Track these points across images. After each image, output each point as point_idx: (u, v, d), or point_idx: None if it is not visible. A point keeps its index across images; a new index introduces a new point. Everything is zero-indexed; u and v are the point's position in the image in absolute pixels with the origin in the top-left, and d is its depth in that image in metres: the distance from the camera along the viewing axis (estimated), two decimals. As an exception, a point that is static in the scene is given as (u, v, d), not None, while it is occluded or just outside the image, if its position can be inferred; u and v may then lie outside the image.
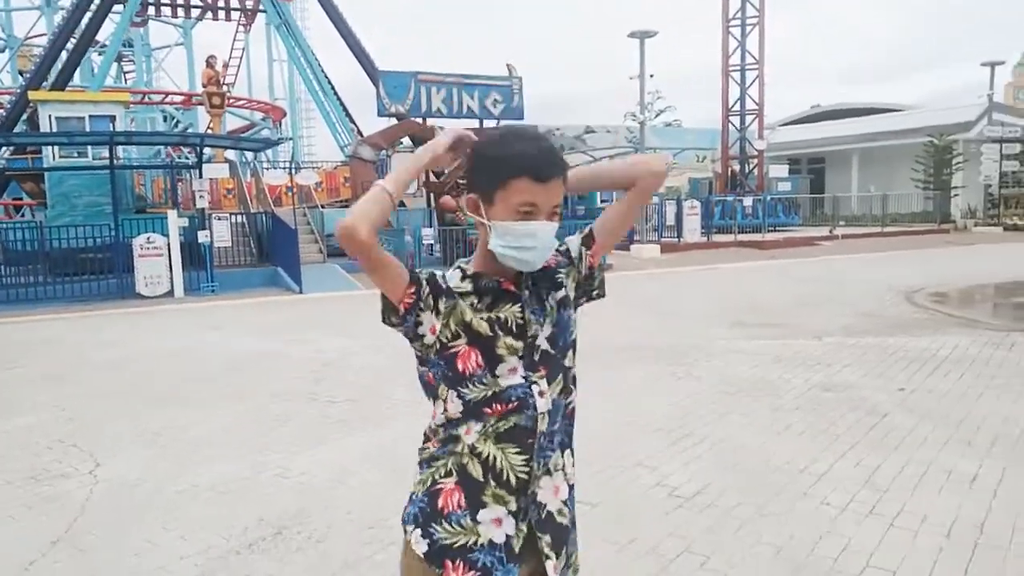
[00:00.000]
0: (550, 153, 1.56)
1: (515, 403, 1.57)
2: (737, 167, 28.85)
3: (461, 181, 12.98)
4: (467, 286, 1.60)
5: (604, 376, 7.14)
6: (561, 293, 1.69)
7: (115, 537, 3.91)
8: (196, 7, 23.96)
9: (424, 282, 1.57)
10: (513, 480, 1.58)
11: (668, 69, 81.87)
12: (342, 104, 24.57)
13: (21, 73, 31.85)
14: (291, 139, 36.68)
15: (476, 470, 1.58)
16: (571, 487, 1.72)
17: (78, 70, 23.24)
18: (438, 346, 1.58)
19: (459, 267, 1.65)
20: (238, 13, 25.04)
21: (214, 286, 15.15)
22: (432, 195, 19.04)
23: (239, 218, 18.22)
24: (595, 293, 1.82)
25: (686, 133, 34.34)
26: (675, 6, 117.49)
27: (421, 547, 1.58)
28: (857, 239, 24.27)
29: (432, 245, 18.03)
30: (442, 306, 1.57)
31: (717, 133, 30.12)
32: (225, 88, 26.64)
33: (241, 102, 32.43)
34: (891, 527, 3.73)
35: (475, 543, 1.56)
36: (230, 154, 23.04)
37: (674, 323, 10.17)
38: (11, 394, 7.23)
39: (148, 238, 14.80)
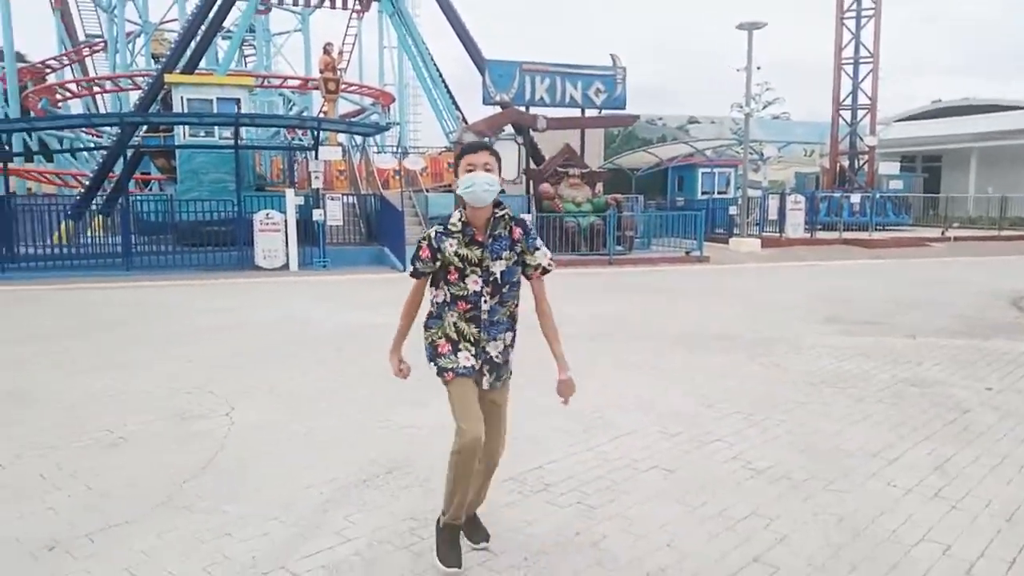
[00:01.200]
0: (480, 143, 3.21)
1: (472, 303, 3.17)
2: (846, 163, 28.05)
3: (560, 169, 13.34)
4: (459, 227, 3.13)
5: (689, 360, 7.44)
6: (513, 255, 3.19)
7: (251, 466, 4.54)
8: (316, -5, 25.12)
9: (424, 262, 3.16)
10: (472, 339, 3.21)
11: (778, 60, 79.36)
12: (449, 91, 25.31)
13: (154, 57, 34.17)
14: (398, 124, 37.87)
15: (454, 335, 3.21)
16: (507, 347, 3.30)
17: (205, 57, 24.82)
18: (439, 267, 3.17)
19: (459, 214, 3.14)
20: (354, 1, 26.07)
21: (326, 262, 16.12)
22: (531, 182, 19.50)
23: (350, 199, 19.22)
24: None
25: (794, 126, 33.55)
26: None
27: (434, 369, 3.24)
28: (971, 242, 23.30)
29: (530, 231, 18.47)
30: (439, 256, 3.15)
31: (826, 127, 29.35)
32: (340, 74, 27.86)
33: (352, 87, 33.70)
34: (953, 509, 3.94)
35: (457, 366, 3.18)
36: (342, 137, 24.17)
37: (766, 316, 10.28)
38: (148, 348, 8.14)
39: (267, 214, 15.88)
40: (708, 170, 28.08)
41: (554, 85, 20.10)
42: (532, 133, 20.55)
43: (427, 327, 3.26)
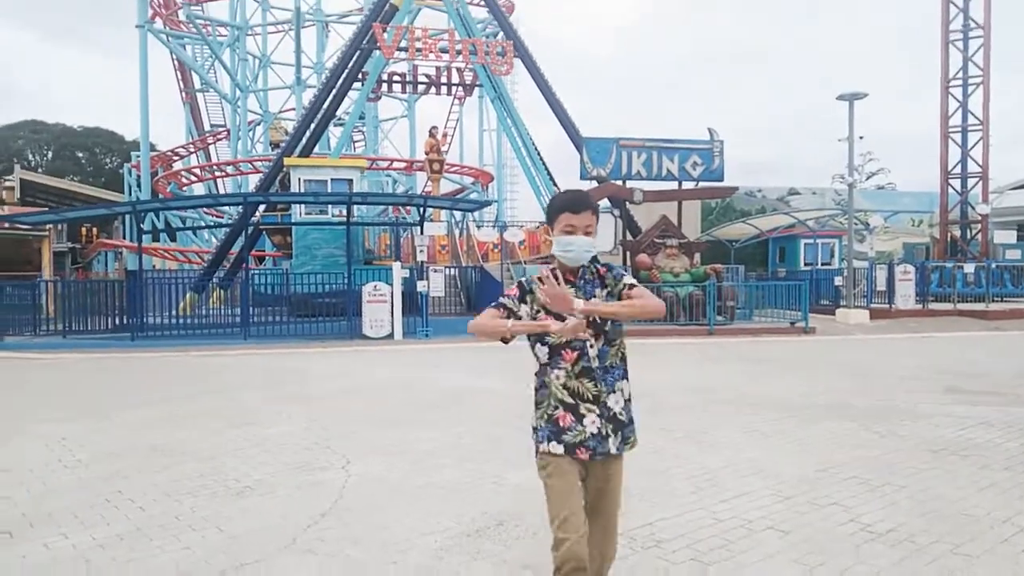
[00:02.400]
0: (580, 197, 2.89)
1: (577, 352, 2.82)
2: (957, 232, 26.95)
3: (657, 240, 13.46)
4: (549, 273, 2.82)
5: (800, 427, 7.27)
6: (604, 291, 2.87)
7: (369, 515, 4.73)
8: (422, 84, 26.54)
9: (510, 299, 2.88)
10: (591, 396, 2.83)
11: (882, 130, 77.69)
12: (546, 168, 26.01)
13: (272, 144, 36.67)
14: (497, 201, 38.99)
15: (569, 399, 2.83)
16: (627, 401, 2.93)
17: (318, 142, 26.51)
18: (530, 318, 2.83)
19: (550, 266, 2.90)
20: (458, 87, 27.38)
21: (428, 331, 16.60)
22: (628, 252, 19.63)
23: (452, 271, 19.82)
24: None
25: (900, 196, 32.62)
26: (890, 66, 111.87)
27: (559, 448, 2.81)
28: (1103, 313, 21.74)
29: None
30: (528, 299, 2.87)
31: (934, 196, 28.41)
32: (443, 155, 29.14)
33: (454, 168, 35.11)
34: (1098, 577, 3.70)
35: (585, 437, 2.81)
36: (444, 214, 25.09)
37: (880, 386, 9.91)
38: (275, 407, 8.58)
39: (375, 286, 16.57)
40: (811, 241, 27.53)
41: (651, 159, 20.38)
42: (629, 205, 20.79)
43: (537, 404, 2.90)
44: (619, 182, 20.34)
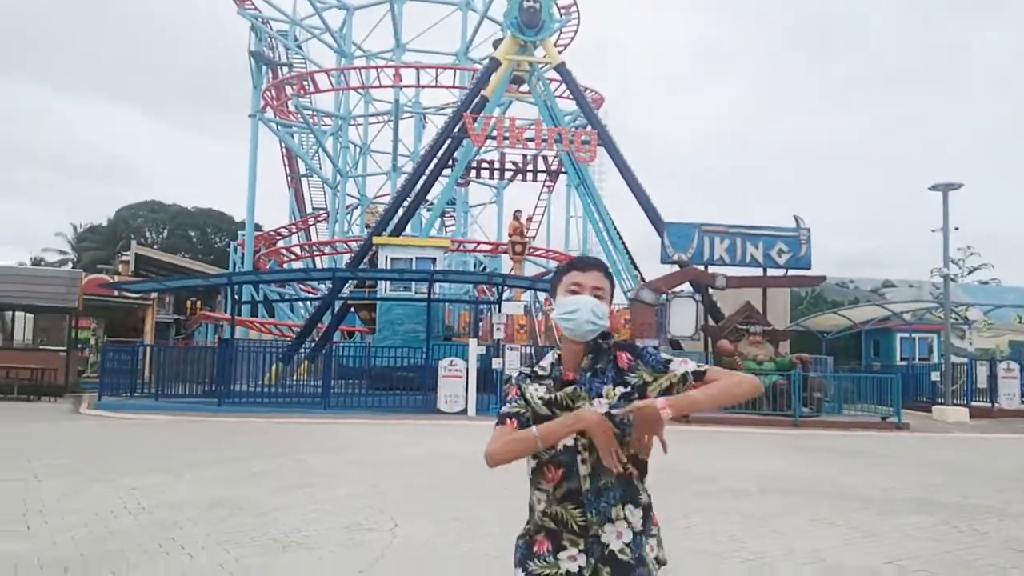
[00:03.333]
0: (589, 257, 2.44)
1: (564, 467, 2.12)
2: (1071, 330, 25.26)
3: (740, 327, 13.18)
4: (548, 370, 2.24)
5: (877, 520, 6.85)
6: (619, 389, 2.15)
7: (407, 574, 4.72)
8: (509, 170, 27.37)
9: (514, 402, 2.22)
10: (576, 527, 2.11)
11: (985, 225, 74.60)
12: (628, 253, 26.09)
13: (367, 226, 38.25)
14: (581, 285, 39.09)
15: (551, 525, 2.15)
16: (637, 534, 2.13)
17: (410, 224, 27.53)
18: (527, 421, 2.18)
19: (552, 355, 2.29)
20: (544, 175, 28.07)
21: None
22: (709, 338, 19.25)
23: (528, 349, 19.86)
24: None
25: (1004, 291, 31.00)
26: (996, 159, 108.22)
27: None
28: None
29: (707, 388, 18.02)
30: (527, 398, 2.21)
31: (1045, 292, 26.87)
32: (528, 239, 29.68)
33: (539, 252, 35.63)
34: None
35: (557, 573, 2.11)
36: (526, 297, 25.38)
37: (973, 485, 9.25)
38: (339, 471, 8.73)
39: (451, 362, 16.78)
40: (907, 335, 26.34)
41: (734, 245, 20.17)
42: (711, 291, 20.52)
43: (524, 527, 2.29)
44: (701, 267, 20.18)
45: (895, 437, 15.40)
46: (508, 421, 2.18)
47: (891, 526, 6.57)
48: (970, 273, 35.75)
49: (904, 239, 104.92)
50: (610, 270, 2.35)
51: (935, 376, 20.74)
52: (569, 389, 2.16)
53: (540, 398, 2.18)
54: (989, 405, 19.88)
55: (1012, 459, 12.21)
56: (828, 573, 5.01)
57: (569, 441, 2.10)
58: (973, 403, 19.94)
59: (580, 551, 2.10)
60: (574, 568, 2.09)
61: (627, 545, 2.10)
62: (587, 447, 2.10)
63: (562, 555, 2.11)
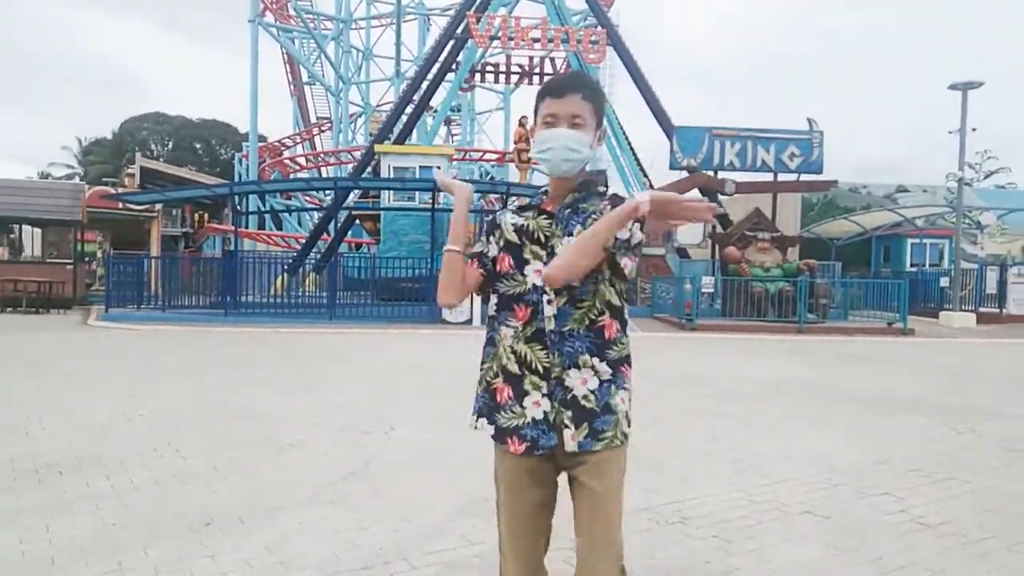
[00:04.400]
0: (570, 76, 2.08)
1: (533, 306, 2.04)
2: (1086, 234, 24.88)
3: (749, 233, 12.93)
4: (528, 203, 2.15)
5: (874, 420, 6.86)
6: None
7: (396, 474, 4.76)
8: (515, 73, 26.64)
9: (493, 222, 2.16)
10: (540, 368, 2.03)
11: (1005, 128, 72.73)
12: (636, 157, 25.62)
13: (371, 135, 37.67)
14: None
15: (514, 367, 2.06)
16: (604, 382, 2.05)
17: (415, 131, 27.02)
18: (491, 261, 2.12)
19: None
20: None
21: (506, 318, 16.62)
22: (717, 245, 19.07)
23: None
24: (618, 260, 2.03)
25: (1021, 195, 30.37)
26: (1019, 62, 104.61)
27: (489, 431, 2.12)
28: None
29: (712, 294, 18.00)
30: (495, 234, 2.13)
31: (1062, 196, 26.33)
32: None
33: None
34: None
35: (524, 422, 2.05)
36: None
37: (972, 387, 9.25)
38: (342, 379, 8.80)
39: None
40: (918, 241, 26.06)
41: (744, 149, 19.73)
42: (720, 197, 20.20)
43: (481, 365, 2.19)
44: (711, 173, 19.80)
45: (899, 342, 15.39)
46: (470, 262, 2.13)
47: (887, 427, 6.58)
48: (987, 177, 35.05)
49: (921, 144, 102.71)
50: (595, 86, 2.07)
51: (944, 282, 20.59)
52: (544, 221, 2.06)
53: (512, 223, 2.10)
54: (997, 311, 19.78)
55: (1015, 363, 12.18)
56: (816, 471, 5.01)
57: (537, 280, 2.03)
58: (981, 309, 19.84)
59: (543, 395, 2.03)
60: (539, 415, 2.03)
61: (592, 392, 2.03)
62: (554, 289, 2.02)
63: (527, 401, 2.05)
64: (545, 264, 2.01)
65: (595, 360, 2.04)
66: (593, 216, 2.02)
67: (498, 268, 2.10)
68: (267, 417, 6.43)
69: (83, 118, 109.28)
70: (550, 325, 2.02)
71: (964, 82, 18.86)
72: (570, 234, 2.02)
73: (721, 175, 19.77)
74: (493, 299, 2.14)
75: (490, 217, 2.20)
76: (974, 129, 19.01)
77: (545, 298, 2.02)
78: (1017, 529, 3.97)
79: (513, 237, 2.08)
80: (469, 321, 16.50)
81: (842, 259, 25.69)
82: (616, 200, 2.05)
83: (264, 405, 6.98)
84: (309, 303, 18.23)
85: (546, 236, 2.05)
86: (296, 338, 13.62)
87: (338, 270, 18.42)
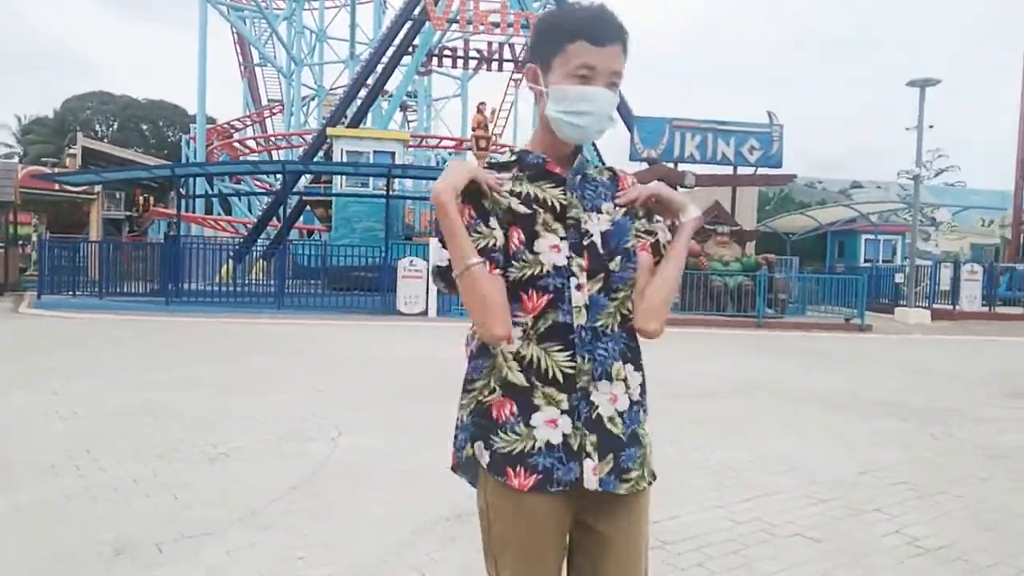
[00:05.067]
0: (610, 18, 1.56)
1: (551, 293, 1.52)
2: (1033, 233, 25.36)
3: (708, 226, 12.55)
4: (512, 160, 1.62)
5: (846, 423, 6.57)
6: (617, 210, 1.65)
7: (343, 491, 4.26)
8: (473, 59, 26.01)
9: (481, 237, 1.53)
10: (560, 376, 1.52)
11: (952, 128, 74.58)
12: (596, 149, 25.25)
13: (324, 119, 36.68)
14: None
15: (519, 377, 1.53)
16: (635, 404, 1.61)
17: (370, 117, 26.24)
18: (502, 252, 1.55)
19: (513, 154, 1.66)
20: (511, 64, 26.78)
21: (463, 310, 16.11)
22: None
23: (491, 250, 19.33)
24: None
25: (970, 194, 30.96)
26: (962, 58, 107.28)
27: (484, 459, 1.55)
28: None
29: (673, 288, 17.74)
30: (494, 210, 1.55)
31: (1007, 195, 26.80)
32: (493, 136, 28.61)
33: (505, 148, 34.55)
34: None
35: (533, 447, 1.52)
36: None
37: (938, 387, 9.07)
38: (286, 375, 8.22)
39: (411, 261, 16.16)
40: (872, 236, 26.26)
41: (705, 141, 19.48)
42: (680, 190, 19.96)
43: (467, 385, 1.63)
44: (671, 164, 19.53)
45: (858, 338, 15.33)
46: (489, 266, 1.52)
47: (861, 431, 6.29)
48: (936, 175, 35.61)
49: (872, 142, 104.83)
50: (628, 34, 1.59)
51: (899, 278, 20.69)
52: (553, 188, 1.59)
53: (517, 193, 1.57)
54: (951, 307, 19.95)
55: (973, 361, 12.15)
56: (797, 483, 4.67)
57: (560, 259, 1.54)
58: (935, 305, 19.99)
59: (562, 412, 1.52)
60: (555, 438, 1.51)
61: (619, 415, 1.57)
62: (584, 267, 1.55)
63: (536, 419, 1.52)
64: (563, 239, 1.55)
65: (628, 368, 1.60)
66: (601, 190, 1.64)
67: (509, 248, 1.54)
68: (200, 420, 5.86)
69: (23, 96, 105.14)
70: (580, 319, 1.53)
71: (922, 79, 18.89)
72: (596, 209, 1.60)
73: (681, 167, 19.50)
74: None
75: (470, 185, 1.54)
76: (931, 126, 19.08)
77: (574, 282, 1.54)
78: (1022, 552, 3.66)
79: (521, 208, 1.56)
80: (424, 312, 15.98)
81: (797, 254, 25.75)
82: (622, 176, 1.70)
83: (198, 405, 6.40)
84: (256, 292, 17.48)
85: (562, 205, 1.58)
86: (240, 329, 12.94)
87: (287, 258, 17.69)
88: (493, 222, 1.54)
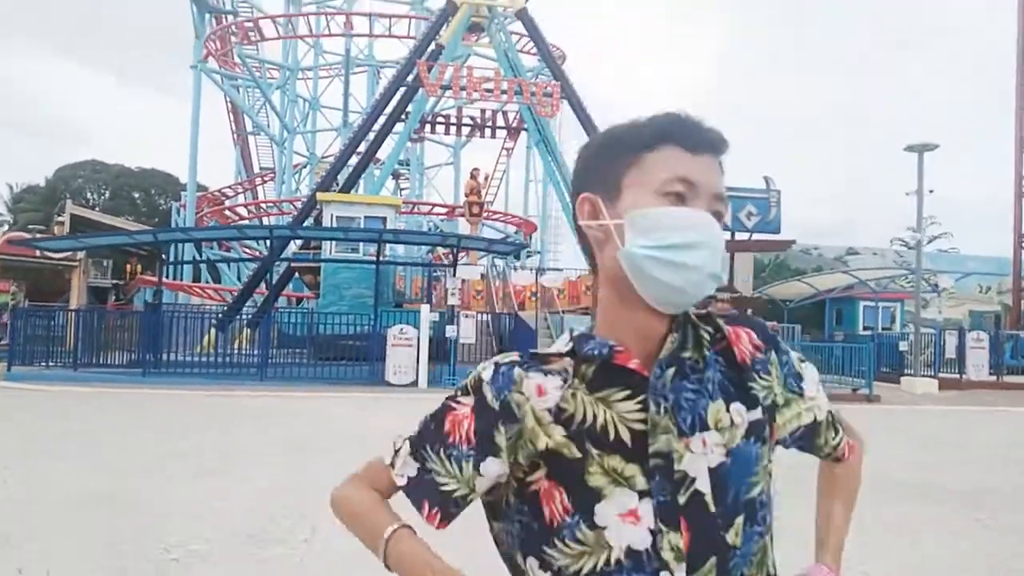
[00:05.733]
0: (703, 121, 0.99)
1: None
2: (1033, 300, 25.01)
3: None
4: (564, 350, 0.99)
5: (873, 510, 5.89)
6: (756, 412, 1.00)
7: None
8: (466, 125, 25.93)
9: (485, 407, 1.00)
10: None
11: (946, 195, 75.54)
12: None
13: (317, 185, 36.53)
14: (539, 252, 38.02)
15: None
16: None
17: (362, 184, 25.99)
18: (515, 483, 0.99)
19: (574, 331, 1.02)
20: (503, 132, 26.76)
21: (455, 380, 15.42)
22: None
23: (485, 317, 18.74)
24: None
25: (965, 260, 30.75)
26: (958, 125, 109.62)
27: None
28: None
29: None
30: (505, 434, 0.98)
31: (1003, 261, 26.60)
32: (485, 202, 28.43)
33: (497, 215, 34.37)
34: None
35: None
36: (483, 263, 24.17)
37: (964, 464, 8.42)
38: (262, 455, 7.52)
39: (401, 329, 15.53)
40: (871, 303, 25.81)
41: (701, 207, 19.17)
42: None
43: None
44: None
45: (868, 410, 14.66)
46: (430, 513, 1.09)
47: (901, 518, 5.60)
48: (930, 242, 35.46)
49: (865, 209, 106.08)
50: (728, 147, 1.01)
51: (903, 346, 20.17)
52: (628, 402, 0.94)
53: (552, 409, 0.95)
54: (957, 376, 19.36)
55: (994, 434, 11.49)
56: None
57: (641, 536, 0.91)
58: (941, 374, 19.41)
59: None
60: None
61: None
62: (683, 547, 0.91)
63: None
64: (644, 496, 0.92)
65: None
66: (709, 381, 0.97)
67: (548, 516, 0.96)
68: (157, 513, 5.14)
69: (17, 164, 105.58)
70: None
71: (920, 144, 18.76)
72: (701, 423, 0.95)
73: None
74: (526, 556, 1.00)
75: (478, 380, 1.02)
76: (931, 191, 18.85)
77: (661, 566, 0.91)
78: None
79: (560, 440, 0.95)
80: (415, 383, 15.28)
81: (795, 321, 25.28)
82: (746, 320, 1.10)
83: (158, 494, 5.69)
84: (239, 362, 16.74)
85: (637, 432, 0.94)
86: (219, 402, 12.22)
87: (272, 326, 17.04)
88: (491, 465, 0.99)
